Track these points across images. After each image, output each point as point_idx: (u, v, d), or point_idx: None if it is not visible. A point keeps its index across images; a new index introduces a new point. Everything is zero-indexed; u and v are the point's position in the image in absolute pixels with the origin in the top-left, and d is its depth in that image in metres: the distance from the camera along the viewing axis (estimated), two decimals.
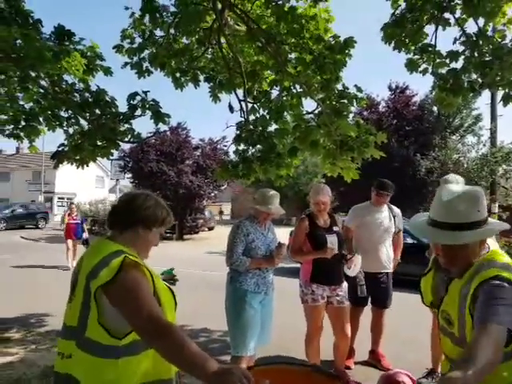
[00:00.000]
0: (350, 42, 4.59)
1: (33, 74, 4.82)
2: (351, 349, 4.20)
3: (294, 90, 4.55)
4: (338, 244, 3.71)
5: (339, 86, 4.57)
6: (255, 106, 4.74)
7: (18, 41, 3.90)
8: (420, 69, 4.38)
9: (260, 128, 4.41)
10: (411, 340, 5.10)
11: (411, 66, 4.34)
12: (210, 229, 25.22)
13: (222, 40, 4.48)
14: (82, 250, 5.60)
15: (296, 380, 1.48)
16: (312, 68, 4.40)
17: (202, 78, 5.51)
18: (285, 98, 4.64)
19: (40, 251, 15.31)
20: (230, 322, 3.34)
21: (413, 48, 4.28)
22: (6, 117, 5.37)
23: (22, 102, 5.27)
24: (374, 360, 4.35)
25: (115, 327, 1.43)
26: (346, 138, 4.31)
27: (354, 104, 4.52)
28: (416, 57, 4.33)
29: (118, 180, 27.41)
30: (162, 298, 1.52)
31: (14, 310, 6.41)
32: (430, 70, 4.30)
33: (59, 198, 43.90)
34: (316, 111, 4.38)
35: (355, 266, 3.79)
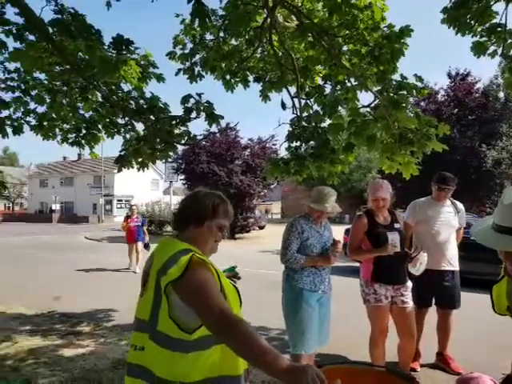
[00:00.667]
0: (406, 31, 4.37)
1: (91, 86, 5.11)
2: (417, 351, 4.02)
3: (349, 84, 4.42)
4: (400, 242, 3.54)
5: (396, 77, 4.38)
6: (308, 102, 4.67)
7: (79, 53, 4.15)
8: (488, 51, 4.07)
9: (313, 124, 4.34)
10: (480, 342, 4.82)
11: (478, 49, 4.05)
12: (261, 228, 25.38)
13: (274, 38, 4.46)
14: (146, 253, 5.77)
15: (368, 381, 1.43)
16: (367, 60, 4.25)
17: (251, 78, 5.55)
18: (339, 92, 4.53)
19: (103, 251, 16.20)
20: (288, 320, 3.31)
21: (479, 30, 3.99)
22: (68, 126, 5.75)
23: (82, 112, 5.61)
24: (442, 363, 4.15)
25: (185, 322, 1.47)
26: (406, 131, 4.12)
27: (414, 94, 4.31)
28: (483, 39, 4.03)
29: (171, 182, 28.41)
30: (228, 295, 1.54)
31: (83, 306, 6.83)
32: (500, 52, 4.00)
33: (118, 201, 46.26)
34: (372, 104, 4.24)
35: (421, 265, 3.59)
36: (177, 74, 5.28)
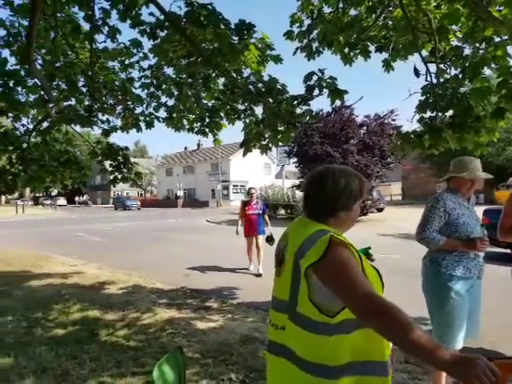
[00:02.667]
0: None
1: (213, 74, 5.33)
2: None
3: (498, 39, 3.78)
4: None
5: None
6: (444, 65, 4.15)
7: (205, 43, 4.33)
8: None
9: (451, 90, 3.85)
10: None
11: None
12: (380, 210, 24.17)
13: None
14: (268, 250, 5.81)
15: None
16: None
17: (372, 48, 5.19)
18: (482, 52, 3.92)
19: (223, 233, 17.23)
20: (433, 311, 2.97)
21: None
22: (193, 116, 6.12)
23: (204, 101, 5.90)
24: None
25: (326, 305, 1.41)
26: None
27: None
28: None
29: (283, 166, 28.84)
30: (369, 278, 1.44)
31: (209, 283, 7.36)
32: None
33: (234, 186, 48.78)
34: None
35: None
36: (294, 54, 5.21)
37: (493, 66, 3.84)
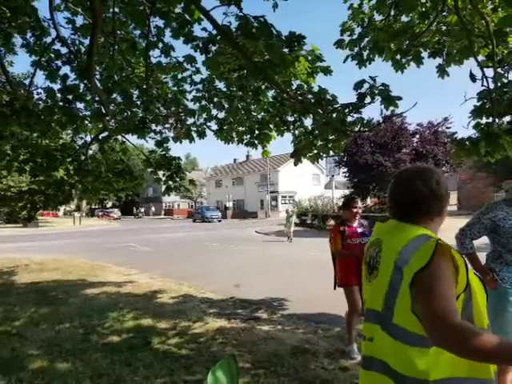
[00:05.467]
0: None
1: (263, 87, 5.42)
2: None
3: None
4: None
5: None
6: (502, 70, 3.97)
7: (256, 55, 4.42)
8: None
9: (508, 96, 3.66)
10: None
11: None
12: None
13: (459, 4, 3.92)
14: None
15: None
16: None
17: (425, 54, 5.05)
18: None
19: (272, 243, 17.24)
20: (489, 321, 2.82)
21: None
22: (243, 128, 6.23)
23: (254, 113, 6.00)
24: None
25: None
26: None
27: None
28: None
29: (332, 176, 28.46)
30: (474, 287, 1.35)
31: (259, 294, 7.36)
32: None
33: (282, 197, 48.73)
34: None
35: None
36: (345, 61, 5.17)
37: None
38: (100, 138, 6.38)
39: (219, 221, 41.32)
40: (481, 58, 4.27)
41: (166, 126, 6.47)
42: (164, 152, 6.72)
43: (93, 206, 68.85)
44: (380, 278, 1.42)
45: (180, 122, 6.28)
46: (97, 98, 5.96)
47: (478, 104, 3.91)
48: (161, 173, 6.89)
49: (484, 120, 3.96)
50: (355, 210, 4.32)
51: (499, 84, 3.89)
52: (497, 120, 3.85)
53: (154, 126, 6.44)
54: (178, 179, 6.71)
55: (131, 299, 6.93)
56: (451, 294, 1.26)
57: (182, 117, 6.21)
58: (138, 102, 6.02)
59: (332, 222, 25.02)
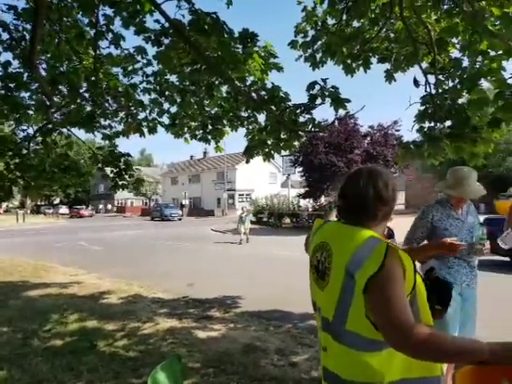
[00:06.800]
0: None
1: (216, 82, 5.38)
2: None
3: (493, 53, 3.84)
4: None
5: None
6: (443, 77, 4.19)
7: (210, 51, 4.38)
8: None
9: (449, 101, 3.87)
10: None
11: None
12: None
13: (405, 13, 4.11)
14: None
15: None
16: None
17: (373, 60, 5.24)
18: (479, 64, 3.97)
19: (228, 241, 17.21)
20: None
21: None
22: (196, 123, 6.15)
23: (207, 109, 5.94)
24: None
25: None
26: None
27: None
28: None
29: (289, 175, 28.88)
30: (420, 288, 1.36)
31: (212, 293, 7.30)
32: None
33: (239, 195, 48.76)
34: None
35: None
36: (297, 60, 5.28)
37: (489, 78, 3.88)
38: (44, 130, 6.04)
39: (179, 219, 39.40)
40: (425, 64, 4.49)
41: (116, 120, 6.25)
42: (112, 148, 6.48)
43: (39, 203, 65.44)
44: (331, 284, 1.38)
45: (131, 117, 6.08)
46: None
47: (422, 109, 4.11)
48: (111, 169, 6.64)
49: (427, 124, 4.16)
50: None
51: (440, 90, 4.10)
52: (438, 124, 4.06)
53: (103, 121, 6.19)
54: (126, 177, 6.50)
55: (77, 301, 6.66)
56: (405, 297, 1.26)
57: (133, 111, 6.02)
58: (86, 95, 5.76)
59: (288, 221, 25.46)
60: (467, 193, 2.85)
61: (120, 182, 6.56)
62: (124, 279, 8.64)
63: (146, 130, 6.15)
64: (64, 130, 6.15)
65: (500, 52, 3.87)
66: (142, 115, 6.19)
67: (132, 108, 6.02)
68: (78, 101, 5.73)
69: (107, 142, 6.46)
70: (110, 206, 62.24)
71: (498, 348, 1.17)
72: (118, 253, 14.38)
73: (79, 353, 4.22)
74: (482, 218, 7.86)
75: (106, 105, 6.01)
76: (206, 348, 4.36)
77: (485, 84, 4.01)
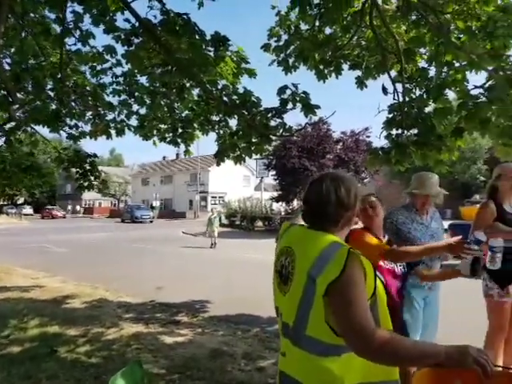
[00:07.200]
0: None
1: (187, 84, 5.32)
2: None
3: (458, 64, 3.99)
4: None
5: None
6: (410, 85, 4.32)
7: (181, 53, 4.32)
8: None
9: (416, 109, 3.99)
10: None
11: None
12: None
13: (374, 22, 4.20)
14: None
15: (494, 383, 1.22)
16: (480, 36, 3.79)
17: (345, 67, 5.32)
18: (445, 74, 4.12)
19: (198, 244, 17.05)
20: None
21: None
22: (166, 126, 6.06)
23: (178, 111, 5.86)
24: None
25: None
26: None
27: None
28: None
29: (262, 178, 28.97)
30: (380, 291, 1.39)
31: (181, 297, 7.20)
32: None
33: (212, 197, 48.47)
34: (486, 85, 3.76)
35: None
36: (270, 65, 5.28)
37: (453, 88, 4.03)
38: (6, 128, 5.80)
39: (151, 221, 38.42)
40: (393, 73, 4.61)
41: (83, 120, 6.06)
42: (78, 149, 6.32)
43: (1, 203, 62.74)
44: (293, 289, 1.38)
45: (98, 117, 5.92)
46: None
47: (390, 116, 4.21)
48: (76, 170, 6.46)
49: (395, 131, 4.27)
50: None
51: (407, 99, 4.22)
52: (406, 132, 4.17)
53: (69, 120, 5.99)
54: (92, 178, 6.33)
55: (38, 305, 6.41)
56: (365, 302, 1.27)
57: (101, 111, 5.87)
58: (52, 93, 5.56)
59: (260, 224, 25.48)
60: (431, 191, 2.97)
61: (85, 184, 6.38)
62: (89, 283, 8.40)
63: (113, 132, 6.01)
64: (28, 128, 5.92)
65: (464, 63, 4.03)
66: (110, 116, 6.05)
67: (100, 109, 5.87)
68: (43, 98, 5.52)
69: (71, 142, 6.27)
70: (78, 207, 60.39)
71: (453, 351, 1.19)
72: (84, 255, 13.97)
73: (38, 359, 4.05)
74: (447, 224, 8.15)
75: (73, 104, 5.83)
76: (172, 353, 4.29)
77: (450, 94, 4.17)
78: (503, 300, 3.21)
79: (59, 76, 5.33)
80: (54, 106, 5.76)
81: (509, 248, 2.65)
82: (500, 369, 1.60)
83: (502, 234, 2.81)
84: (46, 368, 3.84)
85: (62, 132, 5.99)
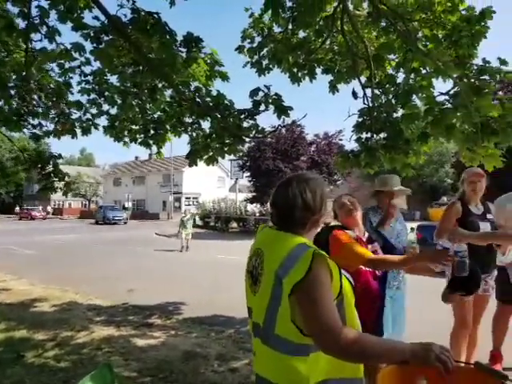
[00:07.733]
0: (487, 13, 4.08)
1: (160, 85, 5.27)
2: (498, 353, 3.73)
3: (424, 71, 4.15)
4: None
5: (477, 61, 4.05)
6: (379, 91, 4.45)
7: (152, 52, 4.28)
8: None
9: (385, 114, 4.13)
10: None
11: None
12: (326, 224, 24.98)
13: (345, 27, 4.30)
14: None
15: (455, 378, 1.29)
16: (445, 44, 3.97)
17: (318, 70, 5.41)
18: (412, 81, 4.28)
19: (171, 247, 16.86)
20: None
21: None
22: (137, 127, 5.96)
23: (150, 112, 5.79)
24: None
25: None
26: (488, 119, 3.80)
27: (498, 79, 3.93)
28: None
29: (237, 179, 28.94)
30: (347, 291, 1.42)
31: (154, 299, 7.12)
32: None
33: (186, 198, 47.98)
34: (452, 91, 3.92)
35: (510, 252, 3.46)
36: (244, 66, 5.31)
37: (420, 94, 4.19)
38: None
39: (125, 222, 37.40)
40: (363, 78, 4.73)
41: (47, 119, 5.85)
42: (41, 149, 6.12)
43: None
44: (262, 289, 1.41)
45: (63, 116, 5.74)
46: None
47: (360, 120, 4.33)
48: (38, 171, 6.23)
49: (364, 135, 4.40)
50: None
51: (376, 104, 4.35)
52: (375, 136, 4.31)
53: (31, 119, 5.78)
54: (55, 179, 6.14)
55: (4, 308, 6.21)
56: (331, 302, 1.31)
57: (66, 110, 5.69)
58: (12, 91, 5.35)
59: (235, 225, 25.41)
60: (394, 188, 3.16)
61: (49, 185, 6.18)
62: (58, 285, 8.18)
63: (79, 131, 5.85)
64: None
65: (431, 70, 4.19)
66: (75, 115, 5.88)
67: (65, 107, 5.70)
68: (5, 97, 5.31)
69: (32, 142, 6.06)
70: (49, 208, 58.50)
71: (418, 348, 1.24)
72: (53, 257, 13.58)
73: (3, 365, 3.93)
74: (415, 225, 8.42)
75: (36, 102, 5.63)
76: (144, 356, 4.24)
77: (418, 100, 4.33)
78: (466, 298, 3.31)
79: (23, 73, 5.14)
80: (15, 105, 5.55)
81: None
82: (462, 364, 1.69)
83: (464, 238, 2.95)
84: (11, 374, 3.73)
85: (25, 131, 5.79)
